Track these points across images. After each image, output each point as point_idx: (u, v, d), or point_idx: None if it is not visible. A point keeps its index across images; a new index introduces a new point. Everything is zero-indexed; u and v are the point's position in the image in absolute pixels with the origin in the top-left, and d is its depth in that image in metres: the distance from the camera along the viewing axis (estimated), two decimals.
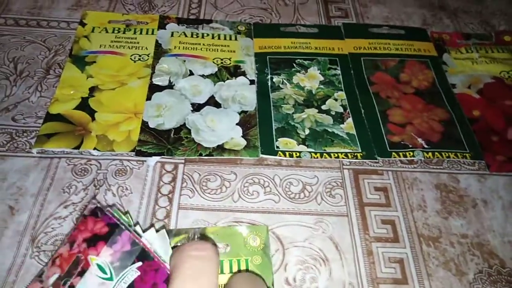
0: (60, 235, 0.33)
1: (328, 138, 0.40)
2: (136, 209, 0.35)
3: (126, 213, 0.35)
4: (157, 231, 0.30)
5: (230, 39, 0.48)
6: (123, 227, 0.28)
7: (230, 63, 0.46)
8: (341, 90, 0.44)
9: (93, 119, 0.40)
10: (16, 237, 0.33)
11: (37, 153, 0.38)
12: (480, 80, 0.46)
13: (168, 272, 0.26)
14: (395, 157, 0.39)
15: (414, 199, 0.37)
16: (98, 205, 0.29)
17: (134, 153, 0.38)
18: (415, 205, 0.37)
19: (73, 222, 0.34)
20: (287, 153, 0.39)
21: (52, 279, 0.26)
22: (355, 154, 0.39)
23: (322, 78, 0.45)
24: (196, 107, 0.42)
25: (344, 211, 0.36)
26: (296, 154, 0.39)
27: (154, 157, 0.38)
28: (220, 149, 0.39)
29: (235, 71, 0.45)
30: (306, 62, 0.46)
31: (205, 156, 0.38)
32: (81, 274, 0.26)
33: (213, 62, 0.46)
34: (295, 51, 0.47)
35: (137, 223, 0.34)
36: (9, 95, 0.42)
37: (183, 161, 0.39)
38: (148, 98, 0.42)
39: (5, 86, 0.43)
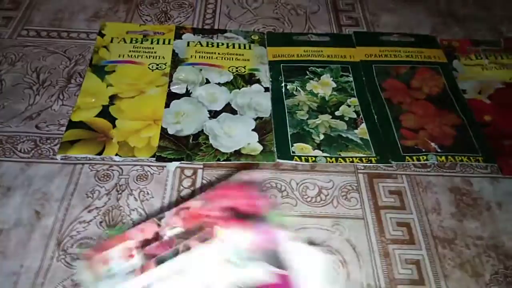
0: (86, 238, 0.35)
1: (343, 143, 0.41)
2: (158, 214, 0.36)
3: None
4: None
5: (244, 48, 0.49)
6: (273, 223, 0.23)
7: (245, 71, 0.47)
8: (354, 96, 0.45)
9: (114, 126, 0.41)
10: (43, 241, 0.34)
11: (61, 159, 0.39)
12: (491, 86, 0.47)
13: None
14: (408, 161, 0.40)
15: (428, 202, 0.38)
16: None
17: (154, 158, 0.39)
18: (430, 208, 0.38)
19: (96, 225, 0.35)
20: (303, 158, 0.40)
21: (171, 232, 0.23)
22: (370, 158, 0.40)
23: (334, 85, 0.46)
24: (213, 114, 0.43)
25: (360, 214, 0.37)
26: (311, 158, 0.40)
27: (174, 163, 0.39)
28: (237, 154, 0.40)
29: (250, 79, 0.46)
30: (319, 70, 0.47)
31: (222, 161, 0.39)
32: (203, 240, 0.23)
33: (229, 70, 0.47)
34: (308, 59, 0.48)
35: None
36: (32, 103, 0.44)
37: (201, 166, 0.40)
38: (167, 105, 0.43)
39: (29, 95, 0.44)
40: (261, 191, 0.24)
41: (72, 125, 0.41)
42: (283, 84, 0.46)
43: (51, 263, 0.33)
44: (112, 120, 0.42)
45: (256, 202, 0.23)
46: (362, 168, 0.40)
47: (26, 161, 0.39)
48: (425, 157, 0.40)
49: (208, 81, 0.46)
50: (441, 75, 0.48)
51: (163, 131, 0.41)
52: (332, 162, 0.40)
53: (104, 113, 0.43)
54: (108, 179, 0.38)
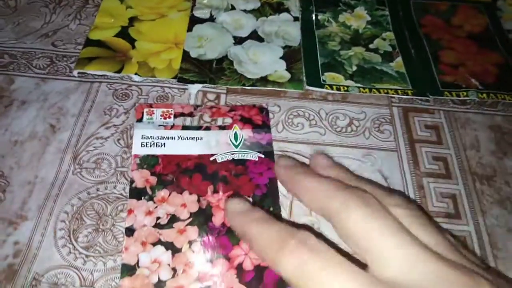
0: (102, 154, 0.33)
1: (377, 75, 0.38)
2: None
3: None
4: None
5: None
6: (271, 131, 0.34)
7: None
8: (389, 30, 0.42)
9: (133, 47, 0.39)
10: (58, 154, 0.33)
11: (77, 74, 0.37)
12: None
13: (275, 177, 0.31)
14: (447, 96, 0.37)
15: (467, 138, 0.35)
16: (268, 108, 0.36)
17: (175, 80, 0.37)
18: (468, 144, 0.35)
19: (114, 142, 0.33)
20: (334, 87, 0.37)
21: (201, 116, 0.34)
22: (406, 91, 0.37)
23: (369, 18, 0.43)
24: (238, 40, 0.40)
25: (394, 146, 0.35)
26: (343, 88, 0.37)
27: (196, 85, 0.37)
28: (264, 80, 0.37)
29: (278, 8, 0.43)
30: (352, 2, 0.44)
31: (248, 86, 0.37)
32: (221, 128, 0.34)
33: None
34: None
35: None
36: (48, 22, 0.41)
37: (225, 90, 0.37)
38: (189, 29, 0.41)
39: (45, 14, 0.42)
40: (267, 114, 0.35)
41: (89, 42, 0.39)
42: (313, 15, 0.43)
43: (67, 175, 0.32)
44: (131, 41, 0.40)
45: (263, 119, 0.35)
46: (397, 101, 0.37)
47: (41, 76, 0.37)
48: (465, 93, 0.37)
49: (233, 7, 0.43)
50: (484, 14, 0.44)
51: (185, 54, 0.39)
52: (366, 92, 0.37)
53: (123, 33, 0.40)
54: (126, 98, 0.36)
